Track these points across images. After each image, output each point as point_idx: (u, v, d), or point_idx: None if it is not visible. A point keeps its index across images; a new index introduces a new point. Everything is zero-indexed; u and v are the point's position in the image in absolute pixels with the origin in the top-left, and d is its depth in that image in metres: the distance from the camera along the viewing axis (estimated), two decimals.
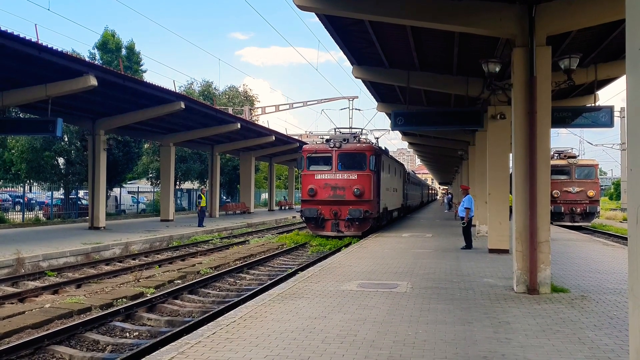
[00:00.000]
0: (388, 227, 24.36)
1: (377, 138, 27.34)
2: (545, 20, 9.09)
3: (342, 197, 20.22)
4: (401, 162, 37.01)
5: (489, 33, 10.21)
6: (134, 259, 16.42)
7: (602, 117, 14.40)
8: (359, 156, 20.83)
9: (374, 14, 10.18)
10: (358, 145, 21.34)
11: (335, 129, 23.17)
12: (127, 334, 8.26)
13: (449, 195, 49.48)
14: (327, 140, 21.58)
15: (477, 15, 9.58)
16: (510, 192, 11.31)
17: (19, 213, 29.01)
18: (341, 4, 10.06)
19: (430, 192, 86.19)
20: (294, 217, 36.81)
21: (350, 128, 24.67)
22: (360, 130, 23.92)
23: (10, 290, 11.41)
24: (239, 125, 28.65)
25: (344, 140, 21.19)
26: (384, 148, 25.91)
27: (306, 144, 29.26)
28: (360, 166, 20.65)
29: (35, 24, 59.79)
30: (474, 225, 19.18)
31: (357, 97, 46.81)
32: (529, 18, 9.04)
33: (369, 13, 10.22)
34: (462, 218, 15.97)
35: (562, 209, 28.92)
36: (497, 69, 10.71)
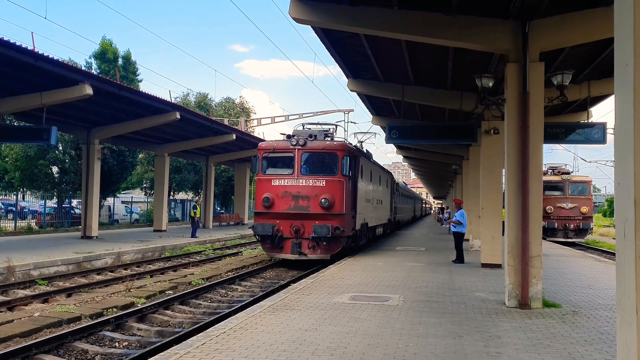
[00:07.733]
0: (370, 248, 20.34)
1: (361, 142, 22.26)
2: (538, 36, 9.19)
3: (306, 210, 15.75)
4: (389, 170, 33.00)
5: (483, 48, 10.31)
6: (125, 269, 16.32)
7: (595, 134, 14.50)
8: (329, 157, 16.20)
9: (369, 27, 10.25)
10: (328, 143, 16.48)
11: (303, 125, 18.13)
12: (117, 344, 8.19)
13: (447, 212, 47.84)
14: (289, 137, 16.68)
15: (472, 30, 9.67)
16: (503, 207, 11.34)
17: (11, 221, 28.89)
18: (337, 18, 10.14)
19: (424, 206, 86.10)
20: None
21: (340, 126, 19.71)
22: (335, 126, 18.25)
23: (0, 298, 11.31)
24: (234, 136, 28.64)
25: (310, 136, 16.53)
26: (365, 150, 21.24)
27: None
28: (330, 170, 16.10)
29: (32, 32, 59.70)
30: (467, 240, 19.20)
31: (352, 110, 46.72)
32: (523, 34, 9.13)
33: (364, 27, 10.29)
34: (454, 233, 16.01)
35: (556, 224, 29.01)
36: (491, 84, 10.79)
